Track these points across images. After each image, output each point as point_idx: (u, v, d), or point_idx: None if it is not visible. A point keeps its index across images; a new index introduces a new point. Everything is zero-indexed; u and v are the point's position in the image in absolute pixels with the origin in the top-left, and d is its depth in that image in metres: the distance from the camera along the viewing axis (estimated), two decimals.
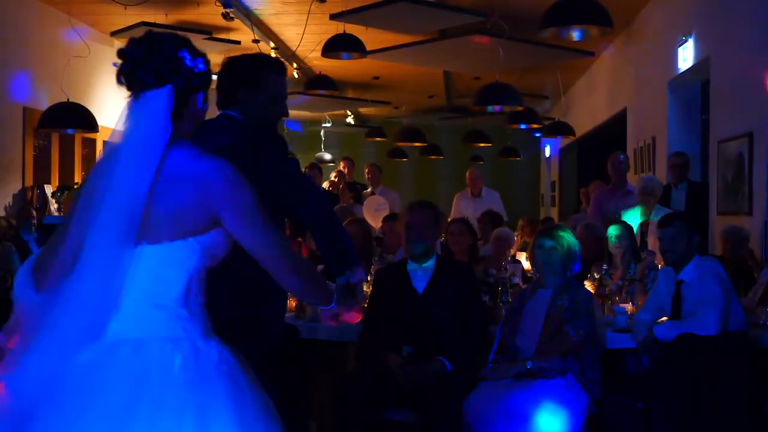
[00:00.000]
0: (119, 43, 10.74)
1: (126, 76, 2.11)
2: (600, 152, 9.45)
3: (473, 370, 4.09)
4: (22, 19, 8.77)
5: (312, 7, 8.58)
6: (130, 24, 8.85)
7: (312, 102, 12.28)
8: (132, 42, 2.11)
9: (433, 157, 15.92)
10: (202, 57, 2.16)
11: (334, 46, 7.59)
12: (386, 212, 7.83)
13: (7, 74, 8.53)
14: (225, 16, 8.92)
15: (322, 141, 17.26)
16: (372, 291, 4.62)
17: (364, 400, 4.08)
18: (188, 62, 2.10)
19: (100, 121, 10.10)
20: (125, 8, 8.60)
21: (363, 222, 6.56)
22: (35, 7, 9.02)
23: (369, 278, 5.07)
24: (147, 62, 2.08)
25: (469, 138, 14.17)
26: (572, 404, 3.84)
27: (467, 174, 9.86)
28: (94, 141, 10.35)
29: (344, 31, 7.73)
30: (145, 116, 2.07)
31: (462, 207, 9.55)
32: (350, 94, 14.40)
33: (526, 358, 4.02)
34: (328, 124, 16.39)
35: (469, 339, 4.22)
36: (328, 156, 16.44)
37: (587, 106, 13.25)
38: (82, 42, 9.22)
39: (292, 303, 4.72)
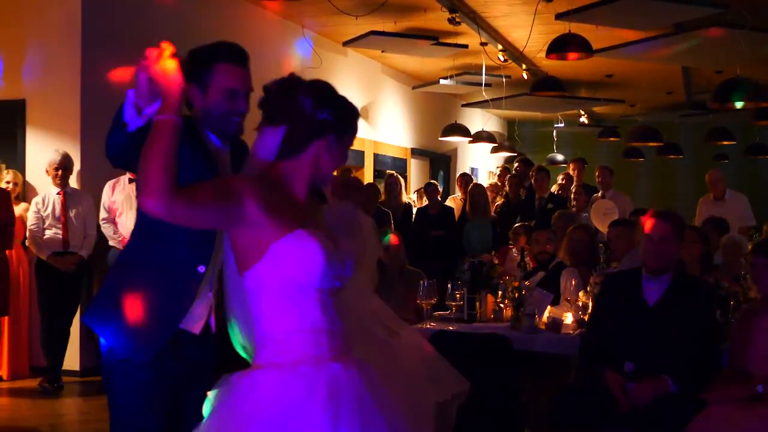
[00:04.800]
0: (352, 51, 11.13)
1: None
2: None
3: (700, 392, 3.79)
4: (258, 32, 9.28)
5: (539, 7, 8.43)
6: (360, 33, 9.14)
7: (542, 102, 12.08)
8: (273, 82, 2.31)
9: (672, 156, 15.14)
10: (330, 107, 2.28)
11: (559, 47, 7.39)
12: (615, 217, 7.50)
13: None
14: (451, 21, 8.97)
15: (554, 141, 16.92)
16: (598, 298, 4.42)
17: (580, 415, 3.92)
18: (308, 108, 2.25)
19: None
20: (356, 18, 8.87)
21: (588, 227, 6.32)
22: (271, 19, 9.52)
23: (589, 288, 4.87)
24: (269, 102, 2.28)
25: (712, 136, 13.35)
26: None
27: (706, 177, 9.26)
28: None
29: (569, 30, 7.51)
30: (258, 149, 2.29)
31: (705, 213, 8.96)
32: (583, 93, 14.03)
33: (758, 381, 3.67)
34: (561, 124, 16.06)
35: (697, 358, 3.93)
36: (560, 157, 16.10)
37: None
38: (314, 52, 9.60)
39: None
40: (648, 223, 4.13)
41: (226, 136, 2.79)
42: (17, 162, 7.22)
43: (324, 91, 2.29)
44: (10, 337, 6.89)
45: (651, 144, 13.73)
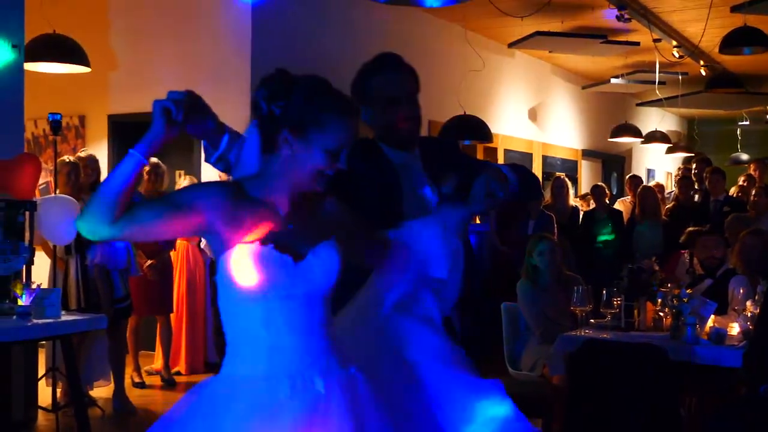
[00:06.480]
0: (519, 53, 11.02)
1: None
2: None
3: None
4: (422, 37, 9.35)
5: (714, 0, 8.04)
6: (525, 34, 9.04)
7: (723, 99, 11.51)
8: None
9: None
10: (283, 100, 2.12)
11: (734, 41, 7.02)
12: None
13: None
14: (619, 17, 8.71)
15: (738, 140, 16.03)
16: (761, 310, 4.16)
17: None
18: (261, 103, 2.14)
19: (498, 130, 10.45)
20: (521, 19, 8.78)
21: (764, 233, 5.94)
22: (435, 23, 9.57)
23: (757, 297, 4.59)
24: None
25: None
26: None
27: None
28: (495, 150, 10.71)
29: (745, 23, 7.10)
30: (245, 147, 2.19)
31: None
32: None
33: None
34: (746, 122, 15.22)
35: None
36: (745, 156, 15.25)
37: None
38: (477, 55, 9.57)
39: None
40: None
41: (406, 145, 2.81)
42: (193, 169, 7.64)
43: (280, 83, 2.13)
44: (188, 334, 7.29)
45: None
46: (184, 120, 2.06)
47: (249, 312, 2.07)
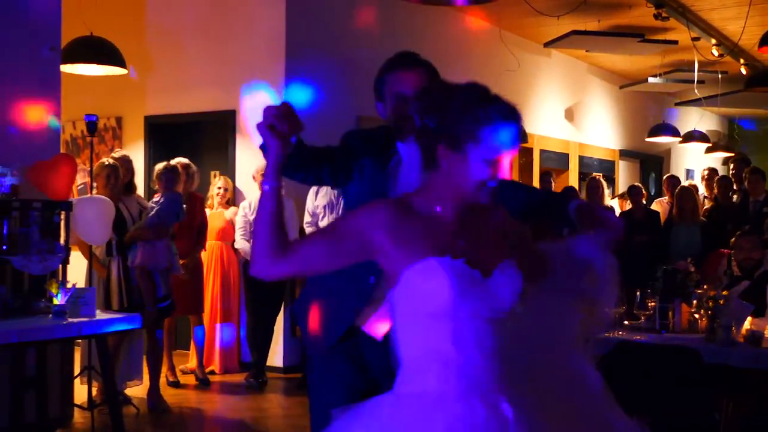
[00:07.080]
0: (555, 52, 10.93)
1: None
2: None
3: None
4: (457, 37, 9.32)
5: None
6: (562, 33, 8.97)
7: (764, 98, 11.31)
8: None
9: None
10: (437, 114, 2.04)
11: None
12: None
13: None
14: (657, 16, 8.62)
15: None
16: None
17: None
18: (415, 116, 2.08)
19: (533, 130, 10.38)
20: (557, 18, 8.72)
21: None
22: (469, 24, 9.54)
23: None
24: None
25: None
26: None
27: None
28: (530, 150, 10.65)
29: None
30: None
31: None
32: None
33: None
34: None
35: None
36: None
37: None
38: (512, 55, 9.52)
39: None
40: None
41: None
42: (228, 169, 7.69)
43: (434, 95, 2.07)
44: (222, 334, 7.34)
45: None
46: (290, 131, 2.07)
47: (437, 329, 2.00)
